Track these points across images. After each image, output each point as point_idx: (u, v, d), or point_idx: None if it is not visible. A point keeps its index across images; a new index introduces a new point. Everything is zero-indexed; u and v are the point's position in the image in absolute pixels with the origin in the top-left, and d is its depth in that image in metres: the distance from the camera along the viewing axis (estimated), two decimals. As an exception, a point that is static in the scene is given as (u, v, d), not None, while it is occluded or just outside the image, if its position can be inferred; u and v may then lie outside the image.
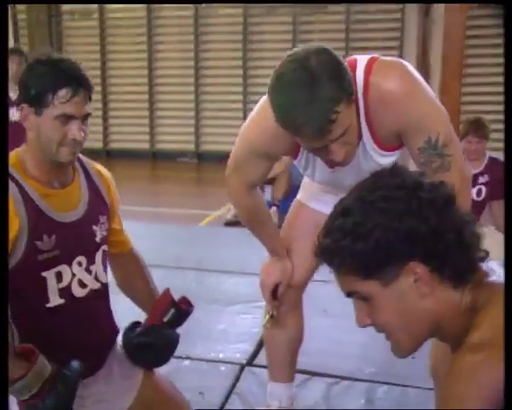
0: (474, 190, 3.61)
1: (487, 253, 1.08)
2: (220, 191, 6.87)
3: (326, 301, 3.23)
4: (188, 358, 2.62)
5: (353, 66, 1.54)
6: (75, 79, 1.63)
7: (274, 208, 5.54)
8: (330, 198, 1.85)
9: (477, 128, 3.88)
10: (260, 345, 2.79)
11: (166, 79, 9.69)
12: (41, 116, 1.63)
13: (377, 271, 1.05)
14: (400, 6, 8.64)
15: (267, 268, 1.95)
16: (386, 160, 1.59)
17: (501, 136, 7.06)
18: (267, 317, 1.99)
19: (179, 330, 1.92)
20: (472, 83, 8.04)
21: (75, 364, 1.64)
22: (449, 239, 1.03)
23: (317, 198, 1.91)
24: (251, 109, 7.22)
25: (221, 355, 2.69)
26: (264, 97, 1.66)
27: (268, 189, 5.62)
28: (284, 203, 5.42)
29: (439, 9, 7.85)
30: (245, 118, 7.45)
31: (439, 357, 1.84)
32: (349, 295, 1.12)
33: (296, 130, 1.46)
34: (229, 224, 5.51)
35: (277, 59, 6.50)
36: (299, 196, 1.99)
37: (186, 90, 9.58)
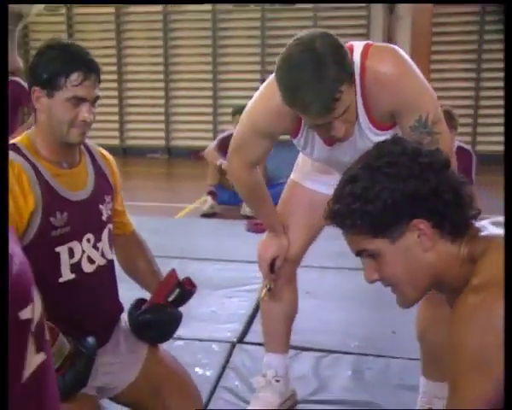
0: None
1: (479, 211, 1.23)
2: (192, 185, 6.96)
3: (308, 284, 3.37)
4: (180, 338, 2.71)
5: (350, 51, 1.67)
6: (86, 64, 1.72)
7: (249, 200, 5.66)
8: (324, 178, 1.99)
9: (448, 119, 4.06)
10: (249, 325, 2.91)
11: (136, 76, 9.69)
12: (53, 98, 1.71)
13: (385, 229, 1.18)
14: (365, 3, 8.86)
15: (265, 243, 2.07)
16: (380, 138, 1.72)
17: (466, 130, 7.38)
18: (264, 290, 2.11)
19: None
20: (439, 78, 8.32)
21: (91, 340, 1.73)
22: (447, 198, 1.17)
23: (311, 178, 2.04)
24: (221, 105, 7.42)
25: (212, 335, 2.79)
26: (269, 79, 1.78)
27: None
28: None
29: (404, 6, 8.08)
30: (214, 114, 7.58)
31: (425, 322, 1.99)
32: (358, 254, 1.25)
33: (303, 108, 1.58)
34: (206, 215, 5.60)
35: (246, 55, 6.72)
36: (292, 176, 2.11)
37: (156, 87, 9.60)
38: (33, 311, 0.76)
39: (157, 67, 9.55)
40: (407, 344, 2.58)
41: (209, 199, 5.75)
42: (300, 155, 2.08)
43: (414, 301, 1.27)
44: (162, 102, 9.63)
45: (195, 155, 8.98)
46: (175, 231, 4.78)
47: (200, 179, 6.19)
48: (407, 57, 1.73)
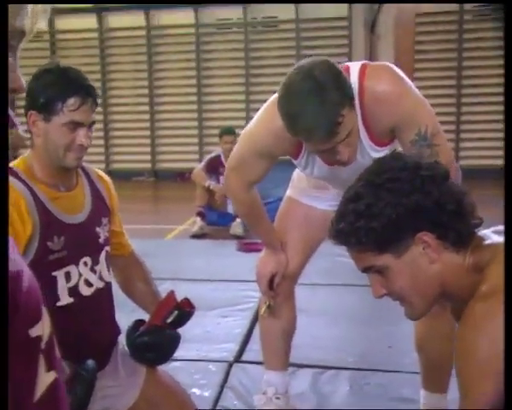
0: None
1: (481, 219, 1.25)
2: (180, 207, 6.96)
3: (301, 302, 3.37)
4: (176, 360, 2.69)
5: (347, 72, 1.70)
6: (83, 89, 1.72)
7: (238, 220, 5.67)
8: (319, 194, 2.02)
9: None
10: (245, 344, 2.91)
11: (120, 100, 9.71)
12: (50, 123, 1.71)
13: (390, 244, 1.19)
14: (347, 23, 9.00)
15: (263, 260, 2.07)
16: (379, 154, 1.75)
17: (450, 136, 7.47)
18: (264, 307, 2.11)
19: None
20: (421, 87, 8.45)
21: (91, 363, 1.72)
22: (450, 209, 1.19)
23: (307, 194, 2.06)
24: (206, 127, 7.44)
25: (209, 355, 2.78)
26: (269, 101, 1.80)
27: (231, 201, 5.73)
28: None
29: (385, 24, 8.21)
30: (200, 136, 7.59)
31: (423, 334, 2.01)
32: (364, 270, 1.26)
33: (307, 135, 1.61)
34: (196, 236, 5.60)
35: (230, 76, 6.76)
36: (288, 193, 2.13)
37: (140, 110, 9.63)
38: (43, 328, 0.76)
39: (141, 91, 9.59)
40: (404, 358, 2.60)
41: (198, 220, 5.75)
42: (295, 172, 2.10)
43: (423, 313, 1.29)
44: (147, 124, 9.66)
45: (182, 176, 9.00)
46: (165, 252, 4.76)
47: (188, 201, 6.20)
48: (402, 75, 1.76)
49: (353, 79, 1.71)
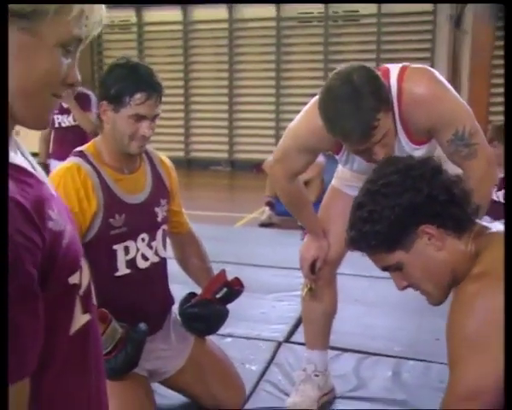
0: (501, 194, 3.77)
1: (478, 205, 1.34)
2: (253, 197, 7.13)
3: (357, 292, 3.48)
4: (229, 336, 2.88)
5: (386, 74, 1.81)
6: (150, 85, 1.91)
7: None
8: (361, 184, 2.11)
9: (500, 134, 4.07)
10: (296, 326, 3.04)
11: (200, 90, 10.03)
12: (118, 113, 1.91)
13: (398, 242, 1.32)
14: (431, 17, 8.85)
15: (306, 245, 2.21)
16: (418, 152, 1.84)
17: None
18: (306, 290, 2.25)
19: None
20: (501, 93, 8.21)
21: (142, 326, 1.92)
22: (442, 199, 1.30)
23: (350, 184, 2.16)
24: (282, 119, 7.59)
25: (261, 334, 2.94)
26: (312, 101, 1.93)
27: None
28: (315, 205, 5.66)
29: (469, 20, 8.02)
30: (277, 128, 7.77)
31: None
32: (384, 269, 1.39)
33: (344, 137, 1.74)
34: (264, 225, 5.77)
35: (309, 70, 6.85)
36: (333, 183, 2.25)
37: (220, 101, 9.90)
38: (81, 277, 0.94)
39: (222, 82, 9.85)
40: (449, 351, 2.65)
41: (267, 210, 5.91)
42: (340, 164, 2.21)
43: (440, 300, 1.39)
44: (226, 115, 9.91)
45: (258, 167, 9.20)
46: (232, 238, 4.96)
47: (261, 191, 6.37)
48: (441, 77, 1.85)
49: (392, 81, 1.81)
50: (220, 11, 9.53)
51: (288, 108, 9.44)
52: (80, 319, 0.95)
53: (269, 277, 3.88)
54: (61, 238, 0.88)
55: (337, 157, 2.03)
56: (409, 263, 1.33)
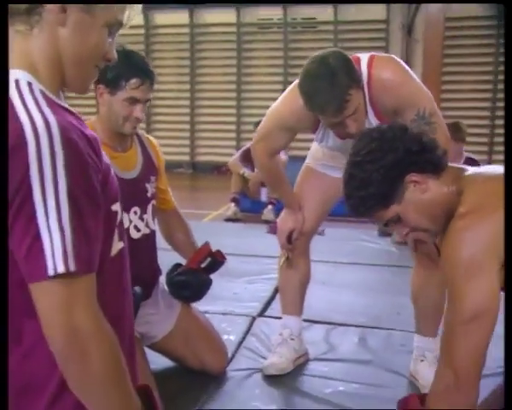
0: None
1: (445, 150, 1.59)
2: (216, 196, 7.31)
3: (325, 275, 3.72)
4: (207, 312, 3.05)
5: (357, 61, 2.06)
6: (144, 71, 2.10)
7: (270, 206, 6.02)
8: (333, 163, 2.35)
9: (455, 131, 4.40)
10: (268, 303, 3.26)
11: (162, 94, 10.17)
12: (114, 96, 2.09)
13: (390, 197, 1.54)
14: (385, 26, 9.25)
15: (283, 218, 2.43)
16: None
17: (475, 139, 7.64)
18: (283, 259, 2.47)
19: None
20: (450, 90, 8.67)
21: (138, 289, 2.10)
22: (416, 149, 1.53)
23: (322, 163, 2.40)
24: (243, 123, 7.83)
25: (236, 310, 3.14)
26: (292, 85, 2.16)
27: (264, 190, 6.09)
28: (280, 202, 5.91)
29: (420, 29, 8.44)
30: (237, 131, 7.97)
31: (419, 284, 2.32)
32: (386, 225, 1.62)
33: (321, 109, 1.97)
34: (230, 220, 5.98)
35: (269, 74, 7.14)
36: (307, 161, 2.48)
37: (181, 104, 10.07)
38: (118, 208, 1.12)
39: (183, 86, 10.02)
40: (410, 321, 2.90)
41: (232, 206, 6.12)
42: (313, 145, 2.44)
43: (438, 232, 1.58)
44: (187, 118, 10.08)
45: (219, 169, 9.40)
46: (201, 231, 5.11)
47: (224, 191, 6.57)
48: (404, 64, 2.12)
49: (363, 67, 2.05)
50: (182, 16, 9.71)
51: (248, 111, 9.68)
52: (118, 244, 1.14)
53: (238, 263, 4.07)
54: (109, 170, 1.08)
55: (314, 135, 2.26)
56: (404, 212, 1.55)
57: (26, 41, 1.01)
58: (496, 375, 2.18)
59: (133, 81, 2.06)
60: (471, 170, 1.58)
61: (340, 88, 1.91)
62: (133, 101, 2.08)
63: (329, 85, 1.91)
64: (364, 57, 2.10)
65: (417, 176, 1.53)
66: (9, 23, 1.01)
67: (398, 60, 2.14)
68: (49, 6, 0.99)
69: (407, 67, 2.13)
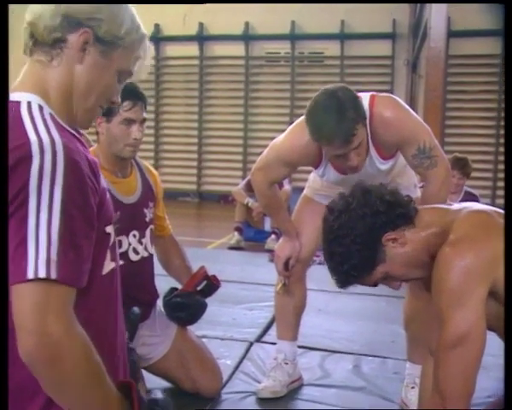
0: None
1: (410, 197, 1.67)
2: (221, 225, 7.40)
3: (321, 303, 3.78)
4: (204, 337, 3.12)
5: None
6: (134, 94, 2.22)
7: (273, 236, 6.09)
8: (330, 192, 2.44)
9: (463, 166, 4.50)
10: (266, 329, 3.32)
11: (172, 123, 10.35)
12: (110, 123, 2.21)
13: (373, 261, 1.62)
14: (390, 62, 9.42)
15: (281, 245, 2.51)
16: (385, 165, 2.23)
17: (478, 174, 7.64)
18: (280, 285, 2.54)
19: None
20: (454, 125, 8.78)
21: (136, 309, 2.17)
22: (382, 210, 1.61)
23: (320, 193, 2.49)
24: (250, 153, 7.98)
25: (234, 336, 3.20)
26: (297, 121, 2.27)
27: (268, 219, 6.16)
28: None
29: (424, 65, 8.58)
30: (244, 161, 8.07)
31: (410, 313, 2.38)
32: (375, 285, 1.70)
33: (328, 140, 2.06)
34: (233, 248, 6.05)
35: (276, 106, 7.32)
36: (305, 192, 2.57)
37: (189, 134, 10.24)
38: (112, 231, 1.21)
39: (191, 116, 10.19)
40: (404, 349, 2.95)
41: (236, 234, 6.20)
42: (311, 175, 2.53)
43: (427, 274, 1.62)
44: (195, 148, 10.24)
45: (225, 199, 9.51)
46: (204, 258, 5.19)
47: (229, 220, 6.66)
48: (403, 103, 2.23)
49: (365, 106, 2.15)
50: (192, 48, 9.93)
51: (255, 142, 9.82)
52: (109, 264, 1.22)
53: (238, 290, 4.16)
54: (105, 194, 1.16)
55: (315, 171, 2.37)
56: (391, 269, 1.63)
57: (43, 70, 1.11)
58: (483, 405, 2.23)
59: (125, 104, 2.18)
60: (453, 207, 1.66)
61: (348, 122, 2.01)
62: (129, 122, 2.20)
63: (338, 118, 2.00)
64: (366, 96, 2.20)
65: (393, 233, 1.60)
66: (30, 52, 1.12)
67: (398, 99, 2.25)
68: (71, 42, 1.09)
69: (406, 106, 2.24)
